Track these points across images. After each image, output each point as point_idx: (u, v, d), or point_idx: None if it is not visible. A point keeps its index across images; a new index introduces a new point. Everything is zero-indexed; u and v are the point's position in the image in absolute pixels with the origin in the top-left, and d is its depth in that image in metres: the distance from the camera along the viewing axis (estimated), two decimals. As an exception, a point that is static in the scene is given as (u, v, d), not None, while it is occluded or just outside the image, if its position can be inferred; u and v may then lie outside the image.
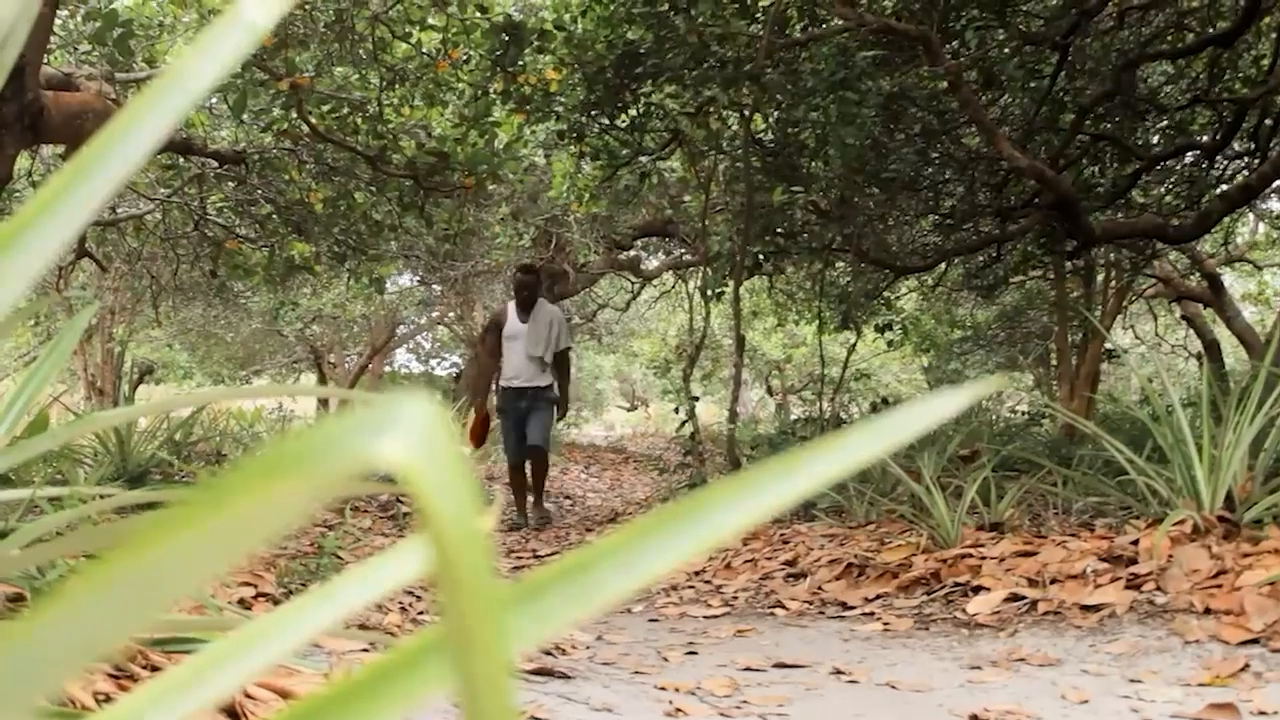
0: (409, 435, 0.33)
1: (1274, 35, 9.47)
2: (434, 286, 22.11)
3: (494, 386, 10.72)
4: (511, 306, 10.40)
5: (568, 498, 13.46)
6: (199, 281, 16.07)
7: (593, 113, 9.93)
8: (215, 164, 11.06)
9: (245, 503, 0.32)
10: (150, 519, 0.33)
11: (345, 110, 10.59)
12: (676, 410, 10.69)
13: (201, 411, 10.64)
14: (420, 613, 4.88)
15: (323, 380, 26.15)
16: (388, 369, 30.18)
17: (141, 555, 0.32)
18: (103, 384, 20.54)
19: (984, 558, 5.25)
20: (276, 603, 4.26)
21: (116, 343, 20.96)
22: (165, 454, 8.53)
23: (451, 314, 25.46)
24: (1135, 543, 4.77)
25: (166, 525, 0.32)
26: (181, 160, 11.09)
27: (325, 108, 10.48)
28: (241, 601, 4.04)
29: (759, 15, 9.06)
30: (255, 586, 4.34)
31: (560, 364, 10.39)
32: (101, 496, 2.85)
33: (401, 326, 27.54)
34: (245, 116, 10.25)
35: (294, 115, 10.11)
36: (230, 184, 11.86)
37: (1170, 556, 4.48)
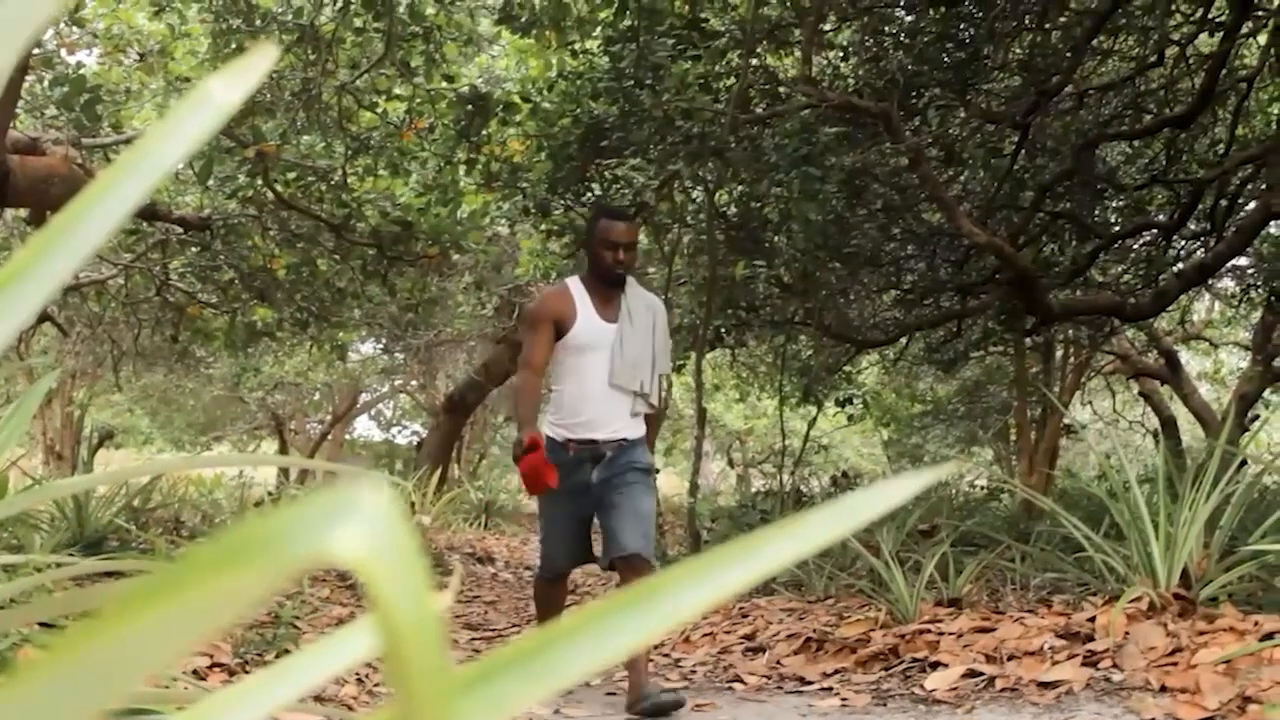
0: (365, 524, 0.33)
1: (1230, 118, 9.61)
2: (397, 355, 22.08)
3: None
4: (575, 286, 5.55)
5: (527, 569, 13.38)
6: (160, 346, 15.99)
7: (559, 190, 9.96)
8: (179, 229, 11.06)
9: (200, 590, 0.32)
10: (106, 602, 0.34)
11: (310, 178, 10.62)
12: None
13: (160, 478, 10.57)
14: (377, 684, 4.85)
15: (284, 447, 26.02)
16: (349, 437, 30.06)
17: (96, 641, 0.33)
18: (62, 448, 20.38)
19: (942, 633, 5.26)
20: (232, 673, 4.22)
21: (76, 407, 20.82)
22: (123, 520, 8.46)
23: (414, 382, 25.42)
24: (1092, 620, 4.79)
25: (122, 611, 0.33)
26: (145, 225, 11.09)
27: (290, 175, 10.51)
28: (196, 672, 4.00)
29: (723, 92, 9.15)
30: (211, 656, 4.31)
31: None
32: (58, 565, 2.83)
33: (364, 394, 27.47)
34: (211, 182, 10.26)
35: (259, 182, 10.13)
36: (193, 249, 11.85)
37: (1127, 634, 4.50)
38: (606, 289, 5.43)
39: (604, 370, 5.35)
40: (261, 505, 12.23)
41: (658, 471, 5.41)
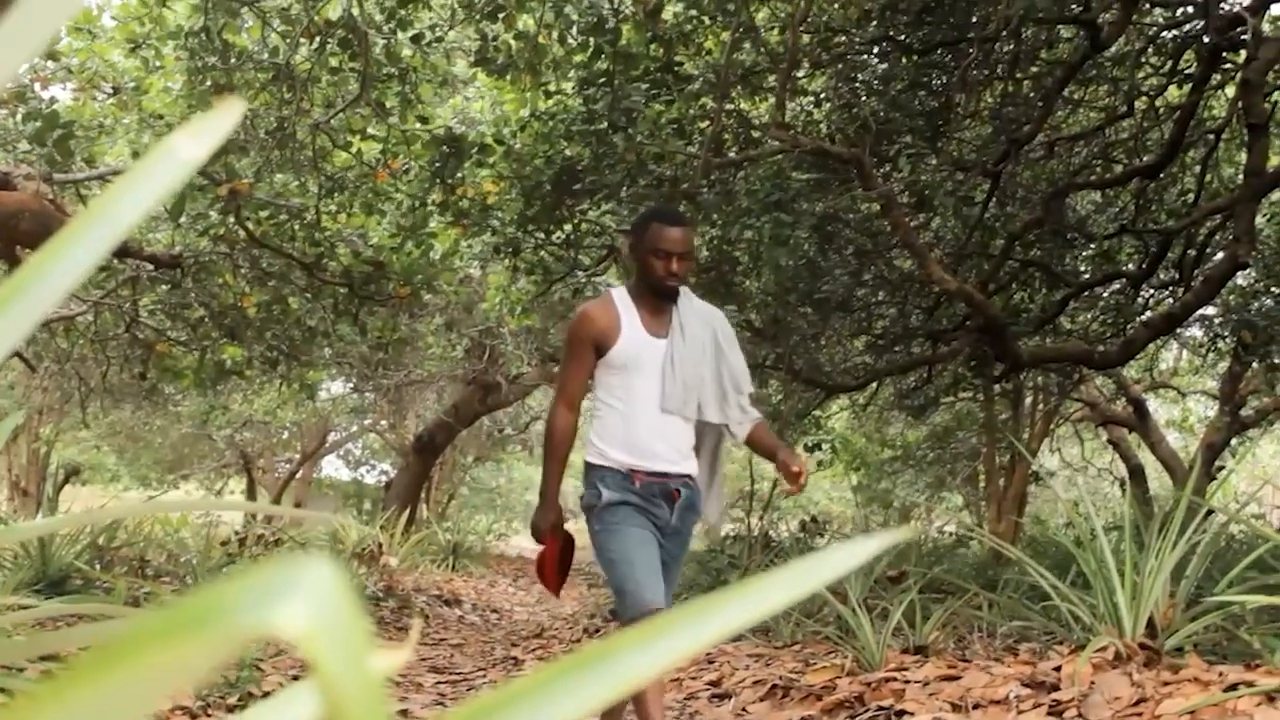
0: (310, 599, 0.33)
1: (1198, 169, 9.71)
2: (366, 394, 22.03)
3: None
4: (619, 296, 4.71)
5: (494, 611, 13.35)
6: (129, 383, 15.91)
7: (529, 228, 9.98)
8: (150, 266, 11.02)
9: (146, 662, 0.32)
10: (52, 676, 0.34)
11: (283, 217, 10.61)
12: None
13: (125, 517, 10.49)
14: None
15: (251, 486, 25.89)
16: (317, 476, 29.92)
17: (44, 713, 0.33)
18: (27, 485, 20.27)
19: (908, 681, 5.25)
20: (194, 716, 4.19)
21: (43, 443, 20.72)
22: (88, 558, 8.39)
23: (383, 422, 25.35)
24: (1058, 669, 4.79)
25: (68, 683, 0.33)
26: (116, 262, 11.05)
27: (263, 214, 10.51)
28: (156, 715, 3.96)
29: (696, 135, 9.19)
30: (172, 698, 4.27)
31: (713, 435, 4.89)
32: (20, 607, 2.81)
33: (333, 433, 27.38)
34: (182, 220, 10.24)
35: (231, 220, 10.12)
36: (164, 286, 11.81)
37: (1092, 683, 4.50)
38: (656, 300, 4.63)
39: (653, 392, 4.55)
40: (228, 544, 12.16)
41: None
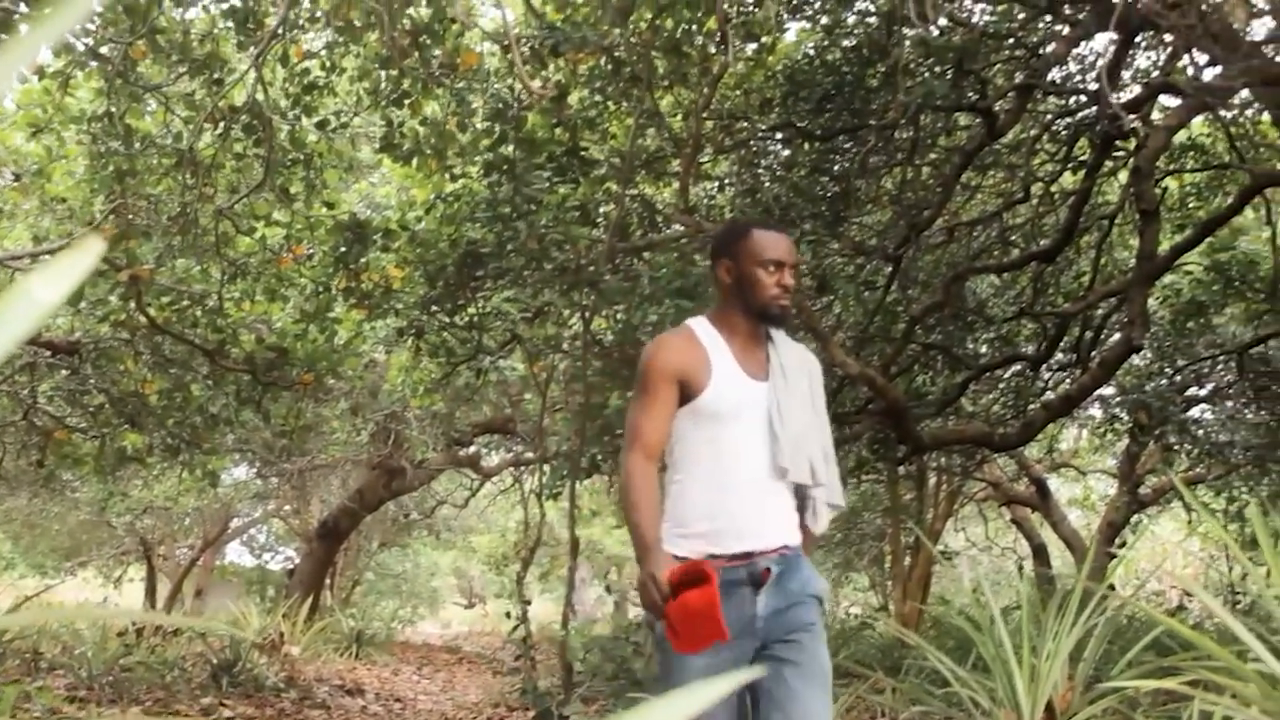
0: None
1: (1093, 252, 9.92)
2: (270, 479, 21.77)
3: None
4: (702, 329, 3.66)
5: (398, 700, 13.15)
6: (25, 470, 15.62)
7: (433, 309, 9.96)
8: (48, 353, 10.88)
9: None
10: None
11: (185, 302, 10.52)
12: (508, 614, 10.39)
13: (19, 608, 10.26)
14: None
15: (151, 574, 25.42)
16: (219, 563, 29.45)
17: None
18: (-83, 574, 19.79)
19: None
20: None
21: (-66, 532, 20.26)
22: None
23: (287, 507, 25.04)
24: (959, 753, 4.81)
25: None
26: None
27: (165, 299, 10.40)
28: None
29: (600, 220, 9.24)
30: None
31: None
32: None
33: (235, 519, 26.98)
34: (82, 305, 10.12)
35: (132, 306, 10.01)
36: (63, 372, 11.65)
37: (993, 768, 4.53)
38: (753, 330, 3.65)
39: (754, 449, 3.50)
40: (125, 635, 11.93)
41: None
